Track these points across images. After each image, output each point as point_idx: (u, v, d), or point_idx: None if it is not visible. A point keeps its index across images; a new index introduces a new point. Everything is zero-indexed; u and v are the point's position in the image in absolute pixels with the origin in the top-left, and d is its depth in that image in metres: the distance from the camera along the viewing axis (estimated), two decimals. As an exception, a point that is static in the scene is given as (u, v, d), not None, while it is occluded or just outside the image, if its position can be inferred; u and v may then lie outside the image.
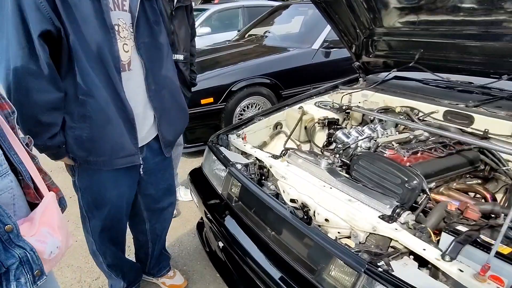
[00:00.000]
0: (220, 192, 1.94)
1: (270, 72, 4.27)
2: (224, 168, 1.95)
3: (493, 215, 1.40)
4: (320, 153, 2.26)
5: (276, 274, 1.39)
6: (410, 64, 2.26)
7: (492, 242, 1.11)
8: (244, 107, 4.15)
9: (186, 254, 2.58)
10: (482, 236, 1.15)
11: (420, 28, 2.09)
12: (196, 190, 2.07)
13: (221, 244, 1.88)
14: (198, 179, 2.17)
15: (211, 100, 3.89)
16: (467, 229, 1.20)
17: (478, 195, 1.65)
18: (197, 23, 7.36)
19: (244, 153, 2.16)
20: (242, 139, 2.22)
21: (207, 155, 2.21)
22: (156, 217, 1.98)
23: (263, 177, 1.99)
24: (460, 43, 1.94)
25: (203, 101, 3.85)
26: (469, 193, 1.69)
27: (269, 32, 5.50)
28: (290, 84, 4.36)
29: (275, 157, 1.94)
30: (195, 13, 8.41)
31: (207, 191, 2.02)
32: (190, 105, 3.71)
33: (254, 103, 4.20)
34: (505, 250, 1.09)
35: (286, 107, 2.54)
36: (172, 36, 2.58)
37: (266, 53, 4.61)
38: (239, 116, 4.09)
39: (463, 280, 1.06)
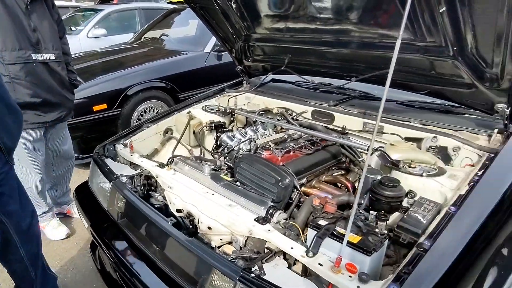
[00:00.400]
0: (105, 208, 1.72)
1: (166, 75, 4.04)
2: (108, 182, 1.73)
3: (349, 205, 1.48)
4: (211, 157, 2.18)
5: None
6: (282, 68, 2.30)
7: (345, 232, 1.15)
8: (142, 112, 3.85)
9: (80, 277, 2.27)
10: (337, 228, 1.19)
11: (287, 35, 2.12)
12: (81, 207, 1.82)
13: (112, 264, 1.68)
14: (84, 195, 1.91)
15: (104, 106, 3.52)
16: (327, 222, 1.23)
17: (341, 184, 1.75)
18: (91, 24, 6.63)
19: (133, 164, 1.96)
20: (130, 148, 2.01)
21: (92, 169, 1.95)
22: (27, 237, 1.68)
23: (152, 188, 1.82)
24: (319, 49, 2.02)
25: (95, 108, 3.46)
26: (337, 183, 1.78)
27: (165, 35, 5.20)
28: (186, 87, 4.18)
29: (161, 165, 1.79)
30: (88, 13, 7.58)
31: (93, 208, 1.79)
32: (81, 112, 3.34)
33: (151, 107, 3.93)
34: (355, 239, 1.14)
35: (175, 112, 2.39)
36: (35, 33, 2.21)
37: (162, 56, 4.35)
38: (137, 121, 3.79)
39: (323, 274, 1.07)
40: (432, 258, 1.04)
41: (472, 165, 1.51)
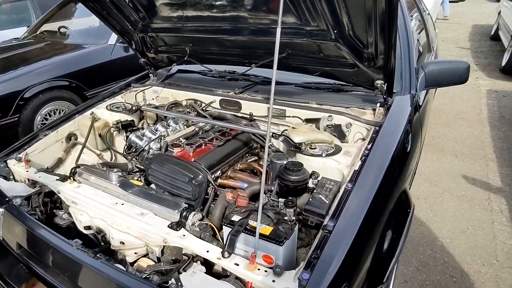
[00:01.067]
0: (1, 237, 1.40)
1: (68, 72, 3.47)
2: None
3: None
4: (124, 159, 1.92)
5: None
6: (185, 58, 2.10)
7: (256, 225, 1.08)
8: (46, 116, 3.28)
9: None
10: (250, 222, 1.11)
11: (185, 24, 1.91)
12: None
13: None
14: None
15: (-3, 114, 2.90)
16: (240, 217, 1.15)
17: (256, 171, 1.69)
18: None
19: (31, 180, 1.63)
20: (24, 163, 1.65)
21: (-21, 193, 1.56)
22: None
23: (57, 205, 1.54)
24: (218, 37, 1.87)
25: (-15, 117, 2.84)
26: (252, 170, 1.71)
27: (64, 27, 4.44)
28: (93, 83, 3.67)
29: (63, 179, 1.50)
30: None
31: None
32: (-33, 125, 2.72)
33: (57, 109, 3.37)
34: (267, 230, 1.08)
35: (77, 115, 2.04)
36: None
37: (62, 51, 3.72)
38: (41, 126, 3.22)
39: (239, 273, 1.00)
40: (337, 238, 1.04)
41: (363, 139, 1.56)
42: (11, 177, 1.66)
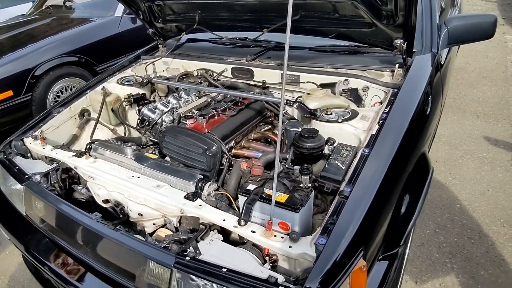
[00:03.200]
0: (24, 213, 1.46)
1: (77, 48, 3.44)
2: (20, 184, 1.45)
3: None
4: (137, 133, 1.93)
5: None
6: (194, 26, 2.02)
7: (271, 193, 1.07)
8: (58, 93, 3.30)
9: None
10: (265, 190, 1.11)
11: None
12: (-4, 217, 1.53)
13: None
14: (-3, 202, 1.60)
15: (10, 93, 2.94)
16: (255, 186, 1.15)
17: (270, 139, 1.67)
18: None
19: (48, 157, 1.66)
20: (40, 140, 1.68)
21: (0, 171, 1.62)
22: None
23: (75, 180, 1.58)
24: (229, 2, 1.78)
25: (-1, 97, 2.88)
26: (266, 139, 1.69)
27: (69, 1, 4.34)
28: (102, 58, 3.63)
29: (79, 154, 1.52)
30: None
31: (11, 215, 1.51)
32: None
33: (68, 86, 3.38)
34: (283, 197, 1.07)
35: (88, 90, 2.04)
36: None
37: (69, 26, 3.67)
38: (54, 103, 3.25)
39: (256, 240, 1.01)
40: (353, 203, 1.02)
41: (380, 102, 1.50)
42: (29, 154, 1.70)
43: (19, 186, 1.47)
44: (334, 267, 0.90)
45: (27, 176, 1.47)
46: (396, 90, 1.43)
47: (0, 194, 1.62)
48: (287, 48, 0.88)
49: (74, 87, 3.42)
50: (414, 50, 1.54)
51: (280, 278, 0.90)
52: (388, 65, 1.59)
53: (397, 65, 1.53)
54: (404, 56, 1.50)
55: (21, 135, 1.75)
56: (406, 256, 1.69)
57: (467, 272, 1.83)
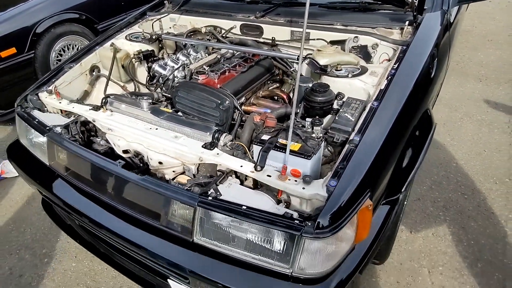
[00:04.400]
0: (48, 164, 1.54)
1: (77, 4, 3.35)
2: (42, 136, 1.52)
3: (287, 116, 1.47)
4: (147, 90, 1.97)
5: (127, 231, 1.24)
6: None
7: (286, 142, 1.15)
8: (60, 51, 3.27)
9: (41, 235, 2.11)
10: (279, 140, 1.19)
11: None
12: (21, 168, 1.61)
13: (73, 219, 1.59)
14: (19, 154, 1.68)
15: (13, 50, 2.91)
16: (269, 136, 1.23)
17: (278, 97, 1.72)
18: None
19: (64, 111, 1.72)
20: (55, 95, 1.73)
21: (19, 124, 1.68)
22: None
23: (92, 133, 1.65)
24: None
25: (2, 54, 2.86)
26: (274, 96, 1.74)
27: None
28: (103, 15, 3.55)
29: (96, 108, 1.58)
30: None
31: (34, 166, 1.59)
32: (-13, 62, 2.75)
33: (70, 45, 3.34)
34: (296, 146, 1.16)
35: (97, 47, 2.04)
36: None
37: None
38: (56, 63, 3.24)
39: (272, 183, 1.10)
40: (362, 151, 1.11)
41: (389, 60, 1.54)
42: (45, 109, 1.75)
43: (41, 138, 1.54)
44: (344, 205, 1.00)
45: (48, 128, 1.53)
46: (405, 48, 1.47)
47: (21, 146, 1.70)
48: (307, 4, 0.90)
49: (75, 45, 3.38)
50: (424, 8, 1.55)
51: (295, 214, 1.01)
52: (398, 22, 1.61)
53: (407, 23, 1.55)
54: (414, 13, 1.52)
55: (36, 89, 1.78)
56: (404, 206, 1.82)
57: (458, 223, 1.99)
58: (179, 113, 1.62)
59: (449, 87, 3.16)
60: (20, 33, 2.98)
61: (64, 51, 3.31)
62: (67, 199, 1.46)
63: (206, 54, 1.93)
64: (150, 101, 1.53)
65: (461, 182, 2.25)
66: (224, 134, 1.30)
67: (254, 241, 1.05)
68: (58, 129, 1.52)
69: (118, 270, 1.58)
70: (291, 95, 1.69)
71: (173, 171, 1.34)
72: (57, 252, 1.99)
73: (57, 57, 3.26)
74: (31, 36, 3.03)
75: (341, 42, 1.65)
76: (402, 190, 1.28)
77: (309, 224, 0.96)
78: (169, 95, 1.73)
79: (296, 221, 0.98)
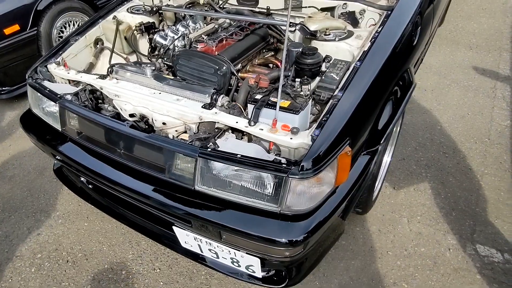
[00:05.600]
0: (60, 129, 1.67)
1: (74, -20, 3.36)
2: (54, 103, 1.63)
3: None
4: (148, 60, 2.06)
5: (136, 184, 1.37)
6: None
7: (276, 100, 1.26)
8: (61, 28, 3.32)
9: (54, 200, 2.25)
10: (271, 98, 1.30)
11: None
12: (35, 136, 1.73)
13: (84, 179, 1.72)
14: (32, 123, 1.79)
15: (16, 27, 2.96)
16: (262, 96, 1.34)
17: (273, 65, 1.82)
18: None
19: (72, 81, 1.83)
20: (64, 66, 1.83)
21: (31, 95, 1.78)
22: None
23: (99, 101, 1.76)
24: None
25: (6, 31, 2.90)
26: (269, 64, 1.83)
27: None
28: (102, -10, 3.56)
29: (102, 77, 1.68)
30: None
31: (47, 133, 1.71)
32: (-9, 39, 2.81)
33: (71, 21, 3.38)
34: (286, 103, 1.27)
35: (100, 20, 2.11)
36: None
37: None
38: (58, 40, 3.29)
39: (263, 136, 1.23)
40: (344, 104, 1.22)
41: (375, 25, 1.62)
42: (54, 80, 1.85)
43: (53, 106, 1.65)
44: (325, 151, 1.13)
45: (59, 96, 1.64)
46: (389, 12, 1.54)
47: (33, 116, 1.81)
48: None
49: (76, 22, 3.42)
50: (409, -27, 1.61)
51: (283, 160, 1.14)
52: (385, -12, 1.67)
53: (392, -12, 1.62)
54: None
55: (44, 62, 1.87)
56: (387, 165, 1.96)
57: (438, 179, 2.13)
58: (180, 79, 1.72)
59: (439, 56, 3.22)
60: (22, 10, 3.02)
61: (65, 27, 3.35)
62: (80, 160, 1.58)
63: (204, 25, 2.00)
64: (153, 68, 1.63)
65: (443, 143, 2.37)
66: (221, 96, 1.41)
67: (248, 186, 1.18)
68: (69, 97, 1.63)
69: (126, 225, 1.74)
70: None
71: (176, 131, 1.46)
72: (70, 214, 2.14)
73: (59, 33, 3.31)
74: (33, 13, 3.07)
75: (331, 9, 1.72)
76: (381, 142, 1.40)
77: (295, 167, 1.10)
78: (171, 64, 1.83)
79: (283, 165, 1.11)
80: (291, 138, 1.18)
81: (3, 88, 3.11)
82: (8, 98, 3.19)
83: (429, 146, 2.36)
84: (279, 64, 1.79)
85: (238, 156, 1.16)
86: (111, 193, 1.62)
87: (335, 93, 1.27)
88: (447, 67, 3.08)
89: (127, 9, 2.12)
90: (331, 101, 1.25)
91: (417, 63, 1.96)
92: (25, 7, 3.03)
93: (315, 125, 1.19)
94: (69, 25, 3.38)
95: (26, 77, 1.82)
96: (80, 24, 3.38)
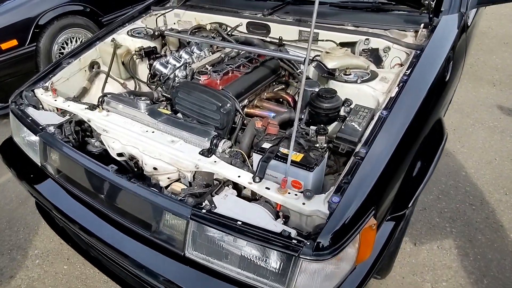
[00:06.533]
0: (39, 164, 1.49)
1: (80, -5, 3.29)
2: (34, 135, 1.46)
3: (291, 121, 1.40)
4: (147, 88, 1.91)
5: (115, 240, 1.18)
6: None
7: (288, 152, 1.08)
8: (62, 44, 3.22)
9: (34, 235, 2.07)
10: (281, 149, 1.12)
11: None
12: (12, 167, 1.56)
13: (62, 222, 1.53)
14: (12, 152, 1.63)
15: (14, 42, 2.87)
16: (270, 145, 1.15)
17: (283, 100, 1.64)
18: None
19: (59, 109, 1.66)
20: (51, 92, 1.67)
21: (13, 122, 1.63)
22: None
23: (87, 133, 1.59)
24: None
25: (3, 46, 2.81)
26: (279, 99, 1.66)
27: None
28: (108, 8, 3.49)
29: (92, 107, 1.52)
30: None
31: (25, 166, 1.54)
32: (-13, 54, 2.71)
33: (73, 37, 3.28)
34: (298, 157, 1.09)
35: (98, 42, 1.98)
36: None
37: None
38: (58, 56, 3.18)
39: (270, 196, 1.04)
40: (368, 165, 1.03)
41: (401, 65, 1.45)
42: (40, 106, 1.69)
43: (33, 137, 1.48)
44: (346, 225, 0.93)
45: (41, 127, 1.47)
46: (418, 52, 1.38)
47: (14, 144, 1.65)
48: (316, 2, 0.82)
49: (79, 38, 3.33)
50: (441, 9, 1.45)
51: (293, 232, 0.94)
52: (412, 25, 1.52)
53: (422, 25, 1.46)
54: (430, 16, 1.43)
55: (32, 85, 1.73)
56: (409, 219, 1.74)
57: (465, 236, 1.90)
58: (179, 115, 1.56)
59: (461, 91, 3.04)
60: (22, 24, 2.93)
61: (67, 43, 3.26)
62: (56, 202, 1.41)
63: (210, 53, 1.85)
64: (148, 102, 1.47)
65: (469, 192, 2.16)
66: (223, 141, 1.24)
67: (249, 259, 0.98)
68: (51, 129, 1.47)
69: (108, 276, 1.53)
70: (296, 97, 1.61)
71: (168, 178, 1.28)
72: (49, 254, 1.94)
73: (60, 50, 3.21)
74: (33, 28, 2.98)
75: (351, 44, 1.56)
76: (409, 206, 1.20)
77: (308, 244, 0.90)
78: (169, 96, 1.66)
79: (294, 241, 0.91)
80: (303, 204, 0.98)
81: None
82: (2, 115, 3.05)
83: (453, 195, 2.14)
84: (289, 99, 1.62)
85: (238, 223, 0.97)
86: (91, 242, 1.42)
87: (358, 149, 1.08)
88: (469, 105, 2.90)
89: (128, 32, 1.99)
90: (352, 158, 1.06)
91: (447, 107, 1.78)
92: (25, 21, 2.95)
93: (333, 189, 1.00)
94: (71, 41, 3.29)
95: (9, 101, 1.67)
96: (82, 41, 3.29)
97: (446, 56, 1.37)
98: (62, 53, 3.21)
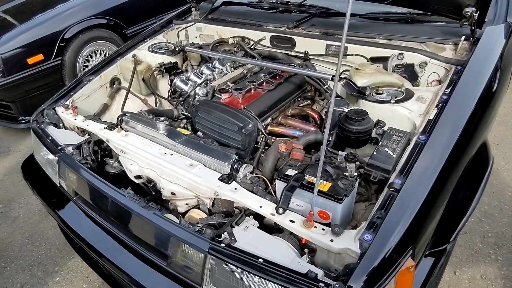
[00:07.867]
0: (58, 184, 1.52)
1: (106, 9, 3.41)
2: (53, 155, 1.49)
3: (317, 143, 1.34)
4: (168, 104, 1.92)
5: (131, 266, 1.17)
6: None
7: (314, 180, 1.03)
8: (87, 57, 3.34)
9: (55, 251, 2.11)
10: (306, 177, 1.07)
11: None
12: (32, 185, 1.60)
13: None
14: (32, 170, 1.67)
15: (40, 57, 3.00)
16: (295, 172, 1.10)
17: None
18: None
19: (80, 128, 1.70)
20: (72, 110, 1.70)
21: (34, 140, 1.67)
22: None
23: (106, 153, 1.60)
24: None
25: (30, 60, 2.94)
26: (304, 115, 1.62)
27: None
28: (132, 20, 3.59)
29: (111, 127, 1.53)
30: None
31: (45, 185, 1.58)
32: (14, 68, 2.84)
33: (97, 50, 3.40)
34: (325, 186, 1.03)
35: (118, 58, 2.03)
36: None
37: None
38: (83, 69, 3.30)
39: (295, 230, 0.99)
40: (405, 197, 0.96)
41: (439, 81, 1.36)
42: (61, 124, 1.73)
43: (52, 157, 1.52)
44: (380, 266, 0.86)
45: (60, 147, 1.50)
46: (459, 68, 1.29)
47: (35, 162, 1.69)
48: (348, 14, 0.76)
49: (103, 51, 3.44)
50: (485, 20, 1.36)
51: (320, 273, 0.88)
52: (451, 37, 1.43)
53: (462, 37, 1.37)
54: (473, 27, 1.34)
55: (53, 103, 1.78)
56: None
57: (512, 265, 1.75)
58: (199, 133, 1.54)
59: (505, 102, 2.86)
60: (48, 39, 3.07)
61: (91, 56, 3.38)
62: (72, 224, 1.42)
63: (232, 68, 1.84)
64: (167, 122, 1.46)
65: (518, 216, 1.99)
66: (244, 165, 1.20)
67: (271, 299, 0.93)
68: (70, 149, 1.49)
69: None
70: (322, 114, 1.56)
71: (186, 204, 1.25)
72: (69, 271, 1.97)
73: (84, 63, 3.33)
74: (59, 42, 3.11)
75: (383, 59, 1.49)
76: (451, 240, 1.11)
77: (337, 287, 0.83)
78: (189, 114, 1.66)
79: (320, 284, 0.85)
80: (331, 240, 0.92)
81: (23, 118, 3.12)
82: (26, 128, 3.19)
83: (498, 218, 1.99)
84: (316, 117, 1.56)
85: (260, 260, 0.92)
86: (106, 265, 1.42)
87: (392, 180, 1.00)
88: (514, 117, 2.72)
89: (149, 47, 2.02)
90: (386, 189, 0.99)
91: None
92: (51, 35, 3.08)
93: (364, 224, 0.93)
94: (95, 54, 3.41)
95: (31, 120, 1.72)
96: (107, 54, 3.40)
97: (491, 73, 1.27)
98: (86, 66, 3.33)
